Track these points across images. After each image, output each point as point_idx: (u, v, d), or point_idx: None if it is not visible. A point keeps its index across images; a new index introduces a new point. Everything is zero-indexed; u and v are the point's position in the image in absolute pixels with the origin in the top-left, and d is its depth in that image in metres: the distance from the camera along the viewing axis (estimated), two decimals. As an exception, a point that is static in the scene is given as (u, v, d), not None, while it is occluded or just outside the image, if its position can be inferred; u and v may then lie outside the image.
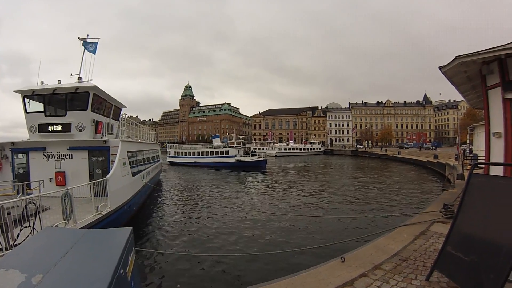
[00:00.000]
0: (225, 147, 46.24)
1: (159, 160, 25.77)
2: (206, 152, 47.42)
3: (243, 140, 51.43)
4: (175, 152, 52.17)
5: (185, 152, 50.37)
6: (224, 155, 44.54)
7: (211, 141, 55.26)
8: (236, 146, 45.43)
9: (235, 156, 43.38)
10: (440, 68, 8.32)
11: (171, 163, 50.41)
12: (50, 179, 11.86)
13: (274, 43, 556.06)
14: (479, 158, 17.86)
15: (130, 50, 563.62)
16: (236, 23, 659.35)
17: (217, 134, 62.24)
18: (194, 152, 48.96)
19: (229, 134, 56.30)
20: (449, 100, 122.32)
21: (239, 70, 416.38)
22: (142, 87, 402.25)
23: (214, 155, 45.65)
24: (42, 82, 12.61)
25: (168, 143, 66.27)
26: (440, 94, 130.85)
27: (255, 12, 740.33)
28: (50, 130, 12.33)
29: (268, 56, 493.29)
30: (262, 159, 42.55)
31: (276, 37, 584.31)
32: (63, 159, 12.14)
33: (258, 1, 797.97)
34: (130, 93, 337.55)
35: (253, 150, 49.19)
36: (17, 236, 6.12)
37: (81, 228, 7.29)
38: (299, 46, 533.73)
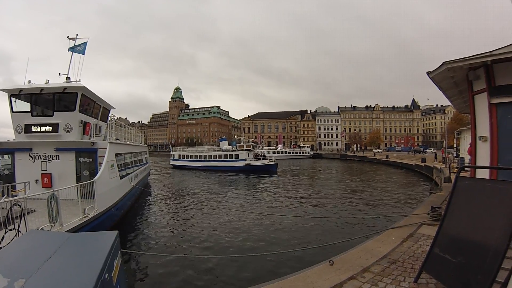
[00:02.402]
0: (235, 150, 44.50)
1: (147, 163, 25.51)
2: (214, 155, 45.43)
3: (253, 144, 49.74)
4: (179, 155, 50.02)
5: (191, 155, 48.20)
6: (234, 158, 42.77)
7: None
8: (246, 150, 43.92)
9: (245, 160, 41.83)
10: (428, 73, 8.46)
11: (175, 167, 48.54)
12: (36, 180, 11.58)
13: (258, 44, 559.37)
14: (465, 161, 18.22)
15: (112, 50, 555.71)
16: (219, 23, 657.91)
17: (225, 137, 60.22)
18: (200, 156, 46.88)
19: (237, 137, 54.61)
20: (437, 105, 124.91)
21: (224, 71, 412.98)
22: (127, 89, 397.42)
23: (223, 159, 43.81)
24: (29, 81, 12.33)
25: (172, 145, 64.79)
26: (428, 99, 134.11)
27: (237, 13, 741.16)
28: (37, 130, 12.06)
29: (252, 58, 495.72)
30: (273, 163, 40.96)
31: (260, 39, 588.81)
32: (50, 160, 11.89)
33: (239, 1, 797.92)
34: (115, 94, 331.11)
35: (263, 154, 47.79)
36: (2, 239, 5.97)
37: (67, 231, 7.16)
38: (284, 48, 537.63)
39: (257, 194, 21.94)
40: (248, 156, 42.70)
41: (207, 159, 45.81)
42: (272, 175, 36.46)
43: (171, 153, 53.00)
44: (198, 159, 46.76)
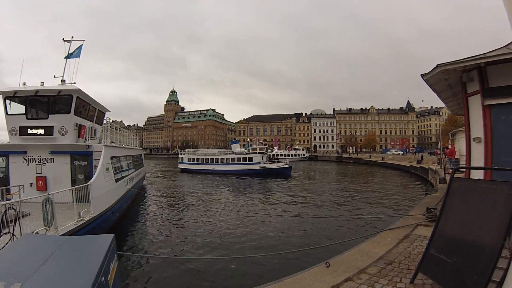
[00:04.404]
0: (248, 153, 43.73)
1: (143, 166, 25.39)
2: (226, 158, 44.36)
3: (266, 146, 48.60)
4: (188, 158, 48.68)
5: (201, 159, 46.94)
6: (247, 162, 42.08)
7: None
8: (259, 152, 43.37)
9: (259, 163, 41.06)
10: (422, 75, 8.53)
11: (184, 170, 47.23)
12: (31, 184, 11.45)
13: (250, 45, 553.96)
14: (460, 162, 18.36)
15: (100, 51, 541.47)
16: (208, 24, 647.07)
17: (236, 140, 58.82)
18: (212, 159, 45.67)
19: (250, 140, 53.62)
20: (431, 107, 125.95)
21: (215, 73, 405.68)
22: (118, 92, 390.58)
23: (236, 162, 42.82)
24: (24, 84, 12.21)
25: (179, 148, 63.44)
26: (423, 101, 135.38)
27: (227, 13, 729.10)
28: (32, 133, 11.94)
29: (244, 59, 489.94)
30: (287, 166, 40.64)
31: (251, 40, 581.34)
32: (45, 163, 11.77)
33: (228, 0, 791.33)
34: (107, 97, 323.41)
35: (276, 157, 46.47)
36: None
37: (62, 235, 7.08)
38: (276, 49, 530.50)
39: (258, 196, 21.98)
40: (262, 159, 42.00)
41: (219, 163, 44.63)
42: (287, 178, 35.83)
43: (179, 156, 51.48)
44: (209, 163, 45.56)
